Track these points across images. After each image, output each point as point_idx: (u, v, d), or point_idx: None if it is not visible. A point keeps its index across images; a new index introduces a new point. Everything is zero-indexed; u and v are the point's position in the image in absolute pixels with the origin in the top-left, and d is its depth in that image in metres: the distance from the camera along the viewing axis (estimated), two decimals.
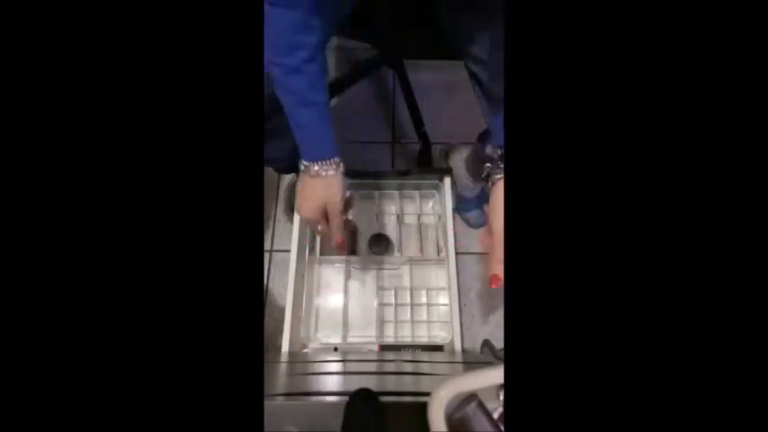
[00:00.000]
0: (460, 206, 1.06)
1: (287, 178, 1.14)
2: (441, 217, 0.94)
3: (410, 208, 1.03)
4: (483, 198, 1.06)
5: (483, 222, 1.06)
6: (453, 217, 0.92)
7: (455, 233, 0.92)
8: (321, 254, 0.94)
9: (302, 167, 0.64)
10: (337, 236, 0.69)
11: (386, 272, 0.96)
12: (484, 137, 0.82)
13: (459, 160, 1.00)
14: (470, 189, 1.01)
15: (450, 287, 0.87)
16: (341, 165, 0.64)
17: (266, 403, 0.44)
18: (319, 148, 0.62)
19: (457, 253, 0.99)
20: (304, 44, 0.55)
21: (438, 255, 0.93)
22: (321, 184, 0.64)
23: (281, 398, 0.50)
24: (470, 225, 1.07)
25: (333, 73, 0.62)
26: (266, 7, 0.51)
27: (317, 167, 0.62)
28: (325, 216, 0.67)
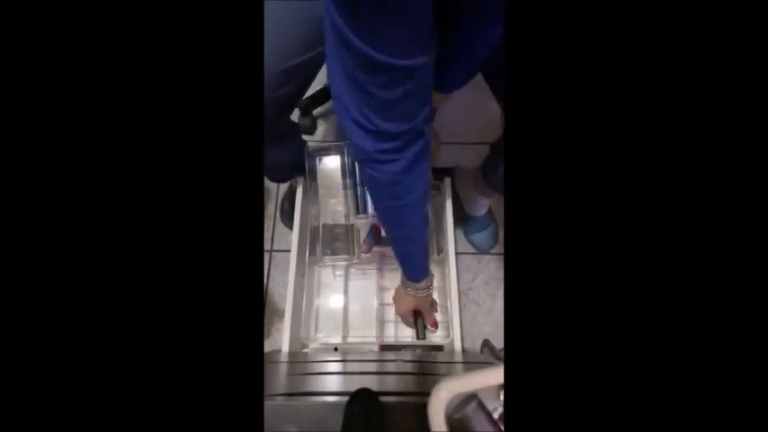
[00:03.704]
0: (467, 228, 1.05)
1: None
2: (441, 217, 0.94)
3: None
4: (490, 217, 1.06)
5: (491, 246, 1.05)
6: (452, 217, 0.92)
7: (455, 233, 0.92)
8: (323, 253, 0.93)
9: (403, 283, 0.79)
10: (431, 319, 0.88)
11: (386, 272, 0.96)
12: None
13: (464, 181, 0.98)
14: (479, 207, 1.00)
15: (450, 287, 0.87)
16: (432, 283, 0.78)
17: (266, 403, 0.44)
18: (421, 271, 0.74)
19: (457, 253, 0.99)
20: (417, 185, 0.54)
21: (438, 255, 0.93)
22: (415, 297, 0.79)
23: (281, 398, 0.50)
24: (476, 248, 1.05)
25: None
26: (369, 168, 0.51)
27: (413, 291, 0.77)
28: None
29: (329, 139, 1.16)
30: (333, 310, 0.95)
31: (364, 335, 0.91)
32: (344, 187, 0.88)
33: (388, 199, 0.55)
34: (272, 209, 1.11)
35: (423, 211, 0.60)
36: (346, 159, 0.87)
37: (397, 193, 0.54)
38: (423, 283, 0.77)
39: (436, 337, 0.90)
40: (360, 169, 0.55)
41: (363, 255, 0.88)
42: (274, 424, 0.46)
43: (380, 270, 0.95)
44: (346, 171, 0.87)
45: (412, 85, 0.40)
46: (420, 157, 0.50)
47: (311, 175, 0.89)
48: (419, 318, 0.86)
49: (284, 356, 0.80)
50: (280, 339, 0.83)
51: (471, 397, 0.38)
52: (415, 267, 0.74)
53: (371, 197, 0.61)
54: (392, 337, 0.90)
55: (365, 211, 0.87)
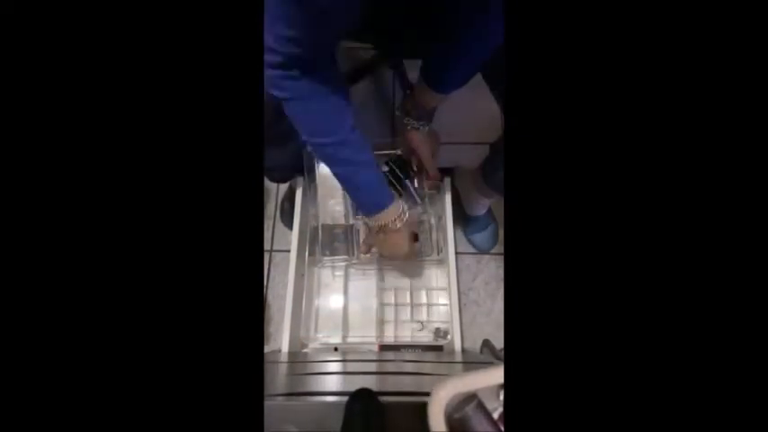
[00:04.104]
0: (467, 228, 1.05)
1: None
2: (441, 217, 0.94)
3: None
4: (490, 217, 1.06)
5: (491, 246, 1.05)
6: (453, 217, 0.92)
7: (455, 233, 0.92)
8: (323, 253, 0.93)
9: (370, 224, 0.71)
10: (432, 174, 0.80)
11: (386, 272, 0.96)
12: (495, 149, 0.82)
13: (464, 181, 0.98)
14: (479, 207, 1.00)
15: (450, 287, 0.87)
16: (405, 211, 0.70)
17: (266, 403, 0.44)
18: (379, 200, 0.67)
19: (457, 253, 0.99)
20: (345, 119, 0.57)
21: (438, 255, 0.93)
22: (394, 236, 0.72)
23: (281, 398, 0.50)
24: (476, 248, 1.05)
25: None
26: (296, 102, 0.53)
27: (383, 222, 0.69)
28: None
29: None
30: (332, 310, 0.95)
31: (364, 335, 0.91)
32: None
33: (311, 123, 0.57)
34: (271, 209, 1.11)
35: (347, 116, 0.58)
36: None
37: (314, 112, 0.56)
38: (391, 209, 0.67)
39: (436, 339, 0.90)
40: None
41: (363, 255, 0.88)
42: (274, 424, 0.46)
43: (380, 270, 0.95)
44: None
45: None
46: (324, 79, 0.54)
47: (310, 176, 0.89)
48: (415, 242, 0.78)
49: (284, 356, 0.80)
50: (280, 339, 0.83)
51: (471, 397, 0.38)
52: (373, 192, 0.66)
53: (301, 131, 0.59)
54: (392, 337, 0.90)
55: None
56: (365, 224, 0.74)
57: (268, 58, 0.49)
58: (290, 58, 0.49)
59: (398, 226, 0.69)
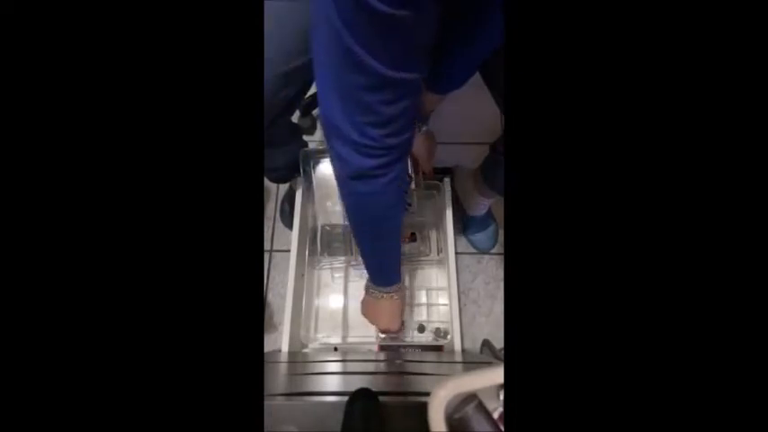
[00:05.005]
0: (467, 228, 1.05)
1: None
2: (441, 217, 0.94)
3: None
4: (490, 217, 1.05)
5: (491, 246, 1.05)
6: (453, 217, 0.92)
7: (455, 233, 0.92)
8: (322, 254, 0.93)
9: (370, 290, 0.74)
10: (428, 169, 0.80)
11: None
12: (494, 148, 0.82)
13: (464, 181, 0.98)
14: (479, 207, 1.00)
15: (450, 287, 0.87)
16: (404, 286, 0.73)
17: (266, 403, 0.44)
18: (392, 277, 0.70)
19: (457, 253, 1.00)
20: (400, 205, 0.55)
21: (438, 255, 0.93)
22: (387, 303, 0.74)
23: (281, 398, 0.50)
24: (476, 248, 1.06)
25: None
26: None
27: (384, 295, 0.72)
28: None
29: None
30: (332, 310, 0.95)
31: (364, 335, 0.91)
32: None
33: (372, 212, 0.54)
34: (271, 209, 1.11)
35: (400, 219, 0.59)
36: None
37: (381, 205, 0.52)
38: (395, 286, 0.74)
39: (435, 339, 0.90)
40: (341, 186, 0.51)
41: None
42: (274, 424, 0.46)
43: None
44: None
45: (411, 98, 0.39)
46: (403, 168, 0.50)
47: (307, 178, 0.89)
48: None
49: (284, 356, 0.80)
50: (280, 339, 0.83)
51: (471, 397, 0.38)
52: (391, 272, 0.70)
53: (352, 214, 0.56)
54: (392, 338, 0.90)
55: None
56: (366, 289, 0.77)
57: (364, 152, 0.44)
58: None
59: (395, 298, 0.74)
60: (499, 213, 1.07)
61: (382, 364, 0.80)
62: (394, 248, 0.65)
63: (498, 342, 0.84)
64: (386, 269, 0.70)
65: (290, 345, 0.82)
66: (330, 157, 0.48)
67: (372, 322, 0.81)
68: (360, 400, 0.45)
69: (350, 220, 0.57)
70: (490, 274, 1.03)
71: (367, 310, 0.80)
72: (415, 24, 0.33)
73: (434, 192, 0.97)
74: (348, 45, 0.33)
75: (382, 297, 0.74)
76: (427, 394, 0.38)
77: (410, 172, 0.83)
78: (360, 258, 0.90)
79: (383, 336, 0.83)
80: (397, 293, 0.74)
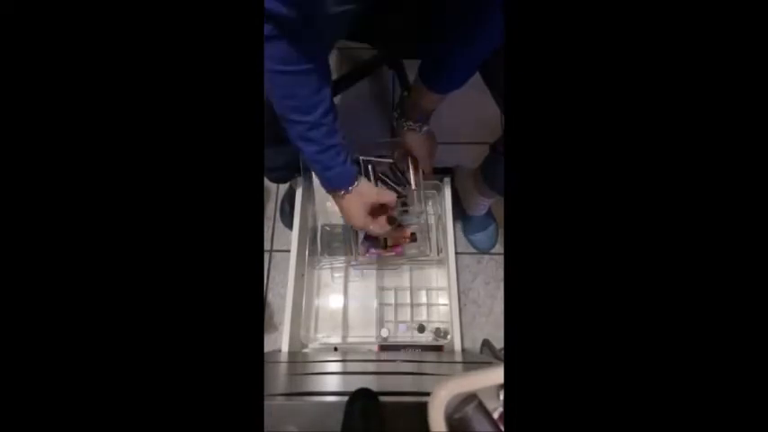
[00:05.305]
0: (467, 228, 1.05)
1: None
2: (441, 217, 0.94)
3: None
4: (490, 217, 1.05)
5: (491, 246, 1.05)
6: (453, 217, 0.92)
7: (455, 233, 0.92)
8: (322, 254, 0.93)
9: (332, 195, 0.71)
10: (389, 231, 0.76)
11: (386, 272, 0.96)
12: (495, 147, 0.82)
13: (464, 181, 0.98)
14: (479, 207, 1.00)
15: (450, 287, 0.87)
16: (361, 177, 0.69)
17: (266, 403, 0.44)
18: (345, 179, 0.67)
19: (457, 253, 0.99)
20: (322, 101, 0.56)
21: (438, 255, 0.93)
22: (354, 197, 0.70)
23: (281, 398, 0.50)
24: (476, 248, 1.05)
25: (333, 73, 0.62)
26: (276, 76, 0.51)
27: (342, 191, 0.69)
28: (374, 217, 0.74)
29: None
30: (332, 310, 0.95)
31: (364, 335, 0.91)
32: None
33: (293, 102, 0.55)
34: (271, 209, 1.11)
35: (326, 98, 0.58)
36: None
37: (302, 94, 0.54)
38: (342, 189, 0.69)
39: (436, 339, 0.90)
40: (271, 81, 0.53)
41: (361, 256, 0.88)
42: (274, 424, 0.46)
43: (380, 270, 0.95)
44: None
45: None
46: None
47: (306, 178, 0.89)
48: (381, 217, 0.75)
49: (284, 356, 0.80)
50: (280, 339, 0.83)
51: (471, 397, 0.38)
52: (338, 174, 0.66)
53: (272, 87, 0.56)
54: (392, 338, 0.90)
55: None
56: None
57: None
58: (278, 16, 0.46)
59: (351, 189, 0.69)
60: (499, 213, 1.07)
61: (382, 364, 0.80)
62: (325, 152, 0.62)
63: (498, 342, 0.84)
64: (329, 162, 0.65)
65: (290, 345, 0.82)
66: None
67: (348, 222, 0.76)
68: (360, 400, 0.45)
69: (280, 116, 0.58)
70: (490, 274, 1.03)
71: (341, 213, 0.76)
72: None
73: (434, 192, 0.97)
74: None
75: (341, 197, 0.70)
76: (427, 394, 0.38)
77: (410, 172, 0.83)
78: (360, 258, 0.91)
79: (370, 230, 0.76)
80: (349, 193, 0.69)
